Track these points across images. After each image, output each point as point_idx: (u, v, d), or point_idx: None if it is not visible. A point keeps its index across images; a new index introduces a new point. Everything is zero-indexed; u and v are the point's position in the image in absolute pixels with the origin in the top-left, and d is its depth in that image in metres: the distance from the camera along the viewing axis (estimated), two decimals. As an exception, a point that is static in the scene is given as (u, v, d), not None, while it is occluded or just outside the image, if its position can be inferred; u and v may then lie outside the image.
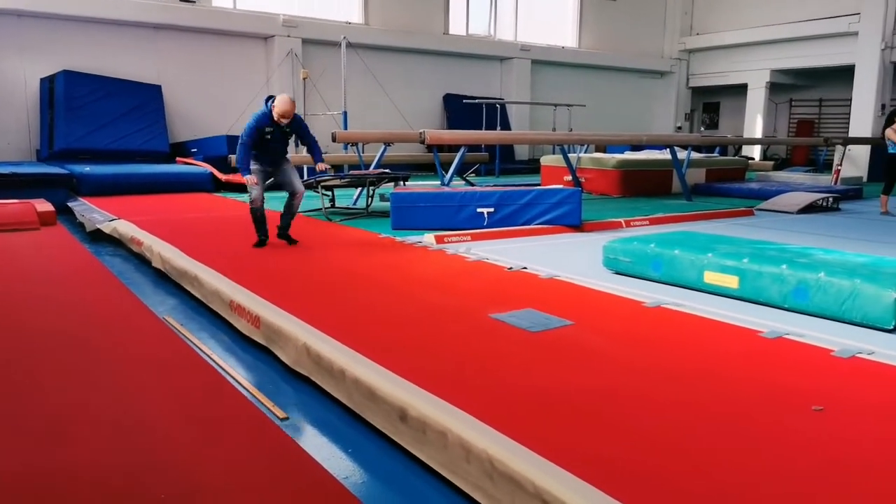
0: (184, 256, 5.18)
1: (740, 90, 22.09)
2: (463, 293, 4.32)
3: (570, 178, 11.17)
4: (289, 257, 5.58)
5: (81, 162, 11.35)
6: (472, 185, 12.33)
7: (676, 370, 2.94)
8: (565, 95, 19.21)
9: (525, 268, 5.17)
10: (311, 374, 3.16)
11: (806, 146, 19.73)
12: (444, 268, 5.23)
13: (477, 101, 16.42)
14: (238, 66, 15.26)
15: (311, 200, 9.45)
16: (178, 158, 13.11)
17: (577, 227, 7.60)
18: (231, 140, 12.97)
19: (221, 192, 11.71)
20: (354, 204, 9.63)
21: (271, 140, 5.78)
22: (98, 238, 7.24)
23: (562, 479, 1.94)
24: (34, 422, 2.54)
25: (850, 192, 12.36)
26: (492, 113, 16.94)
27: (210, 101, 14.71)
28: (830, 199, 10.53)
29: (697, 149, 13.32)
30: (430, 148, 9.32)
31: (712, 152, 15.49)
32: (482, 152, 14.50)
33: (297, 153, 14.81)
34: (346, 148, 12.75)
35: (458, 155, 8.99)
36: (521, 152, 19.42)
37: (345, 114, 13.74)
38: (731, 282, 4.48)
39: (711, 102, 25.28)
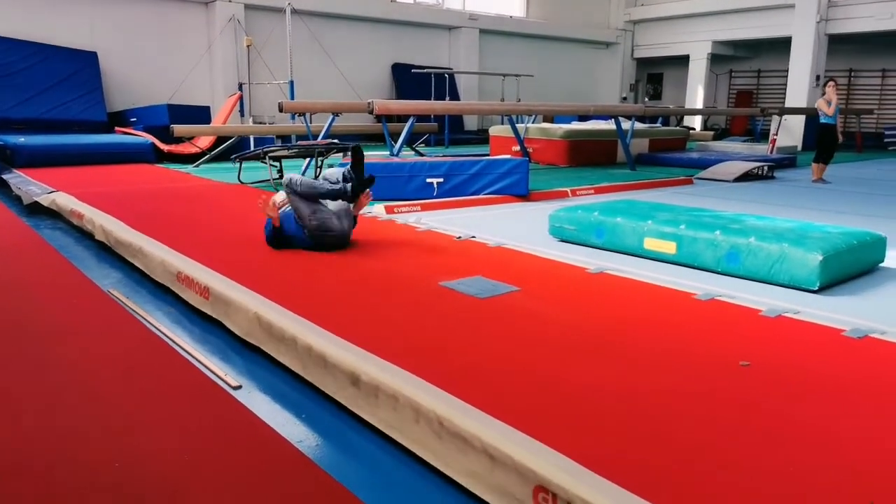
0: (127, 228, 5.09)
1: (683, 61, 22.55)
2: (413, 262, 4.39)
3: (518, 148, 11.30)
4: (236, 226, 5.53)
5: (15, 132, 10.88)
6: (421, 155, 12.35)
7: (614, 331, 3.09)
8: (513, 65, 19.27)
9: (474, 237, 5.27)
10: (263, 343, 3.19)
11: (744, 116, 20.35)
12: (394, 238, 5.28)
13: (426, 70, 16.33)
14: (178, 33, 14.77)
15: (258, 171, 9.32)
16: (117, 128, 12.68)
17: (525, 196, 7.74)
18: (172, 109, 12.61)
19: (164, 163, 11.42)
20: (303, 174, 9.53)
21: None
22: (36, 211, 7.01)
23: (506, 433, 2.05)
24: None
25: (785, 161, 12.86)
26: (440, 83, 16.89)
27: (150, 69, 14.23)
28: (765, 168, 10.95)
29: (641, 119, 13.62)
30: (378, 118, 9.29)
31: (655, 123, 15.84)
32: (431, 122, 14.49)
33: (243, 122, 14.55)
34: (293, 118, 12.56)
35: (407, 125, 8.99)
36: (471, 122, 19.47)
37: (291, 83, 13.50)
38: (670, 248, 4.68)
39: (655, 73, 25.75)
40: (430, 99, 16.01)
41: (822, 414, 2.27)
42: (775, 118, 15.97)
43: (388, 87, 18.11)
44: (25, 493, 1.92)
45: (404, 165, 7.55)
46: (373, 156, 9.60)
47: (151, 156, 11.17)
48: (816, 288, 4.02)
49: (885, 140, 19.17)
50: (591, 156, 12.32)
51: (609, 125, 13.04)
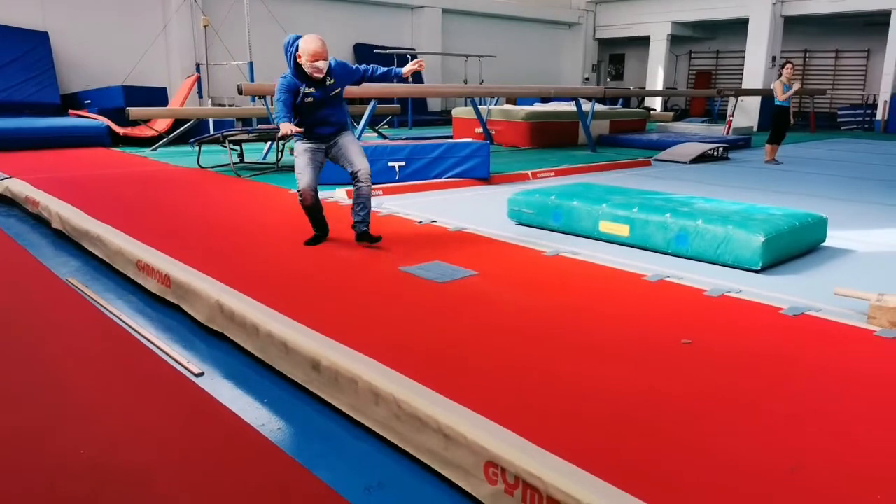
0: (85, 216, 5.04)
1: (644, 42, 22.80)
2: (373, 247, 4.46)
3: (480, 130, 11.37)
4: (195, 212, 5.52)
5: (-38, 116, 10.56)
6: (384, 137, 12.34)
7: (566, 314, 3.23)
8: (476, 46, 19.25)
9: (434, 221, 5.35)
10: (225, 330, 3.24)
11: (703, 97, 20.74)
12: (356, 222, 5.33)
13: (388, 51, 16.22)
14: (132, 12, 14.40)
15: (218, 155, 9.23)
16: (70, 111, 12.37)
17: (486, 179, 7.84)
18: (128, 91, 12.35)
19: (119, 146, 11.21)
20: (264, 158, 9.48)
21: (314, 104, 4.33)
22: (-12, 198, 6.87)
23: (459, 413, 2.17)
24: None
25: (740, 142, 13.19)
26: (403, 64, 16.72)
27: (103, 50, 13.86)
28: (720, 150, 11.23)
29: (602, 101, 13.79)
30: (339, 101, 9.23)
31: (616, 104, 16.04)
32: (394, 104, 14.45)
33: (201, 104, 14.31)
34: (253, 100, 12.41)
35: (369, 107, 8.98)
36: (434, 104, 19.43)
37: (251, 64, 13.30)
38: (623, 230, 4.84)
39: (617, 54, 25.98)
40: (392, 80, 15.92)
41: (753, 387, 2.43)
42: (732, 99, 16.31)
43: (351, 67, 17.94)
44: (-9, 482, 1.96)
45: (366, 149, 7.55)
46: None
47: (107, 139, 10.96)
48: (759, 268, 4.21)
49: (839, 120, 19.74)
50: (552, 137, 12.46)
51: (570, 107, 13.19)
